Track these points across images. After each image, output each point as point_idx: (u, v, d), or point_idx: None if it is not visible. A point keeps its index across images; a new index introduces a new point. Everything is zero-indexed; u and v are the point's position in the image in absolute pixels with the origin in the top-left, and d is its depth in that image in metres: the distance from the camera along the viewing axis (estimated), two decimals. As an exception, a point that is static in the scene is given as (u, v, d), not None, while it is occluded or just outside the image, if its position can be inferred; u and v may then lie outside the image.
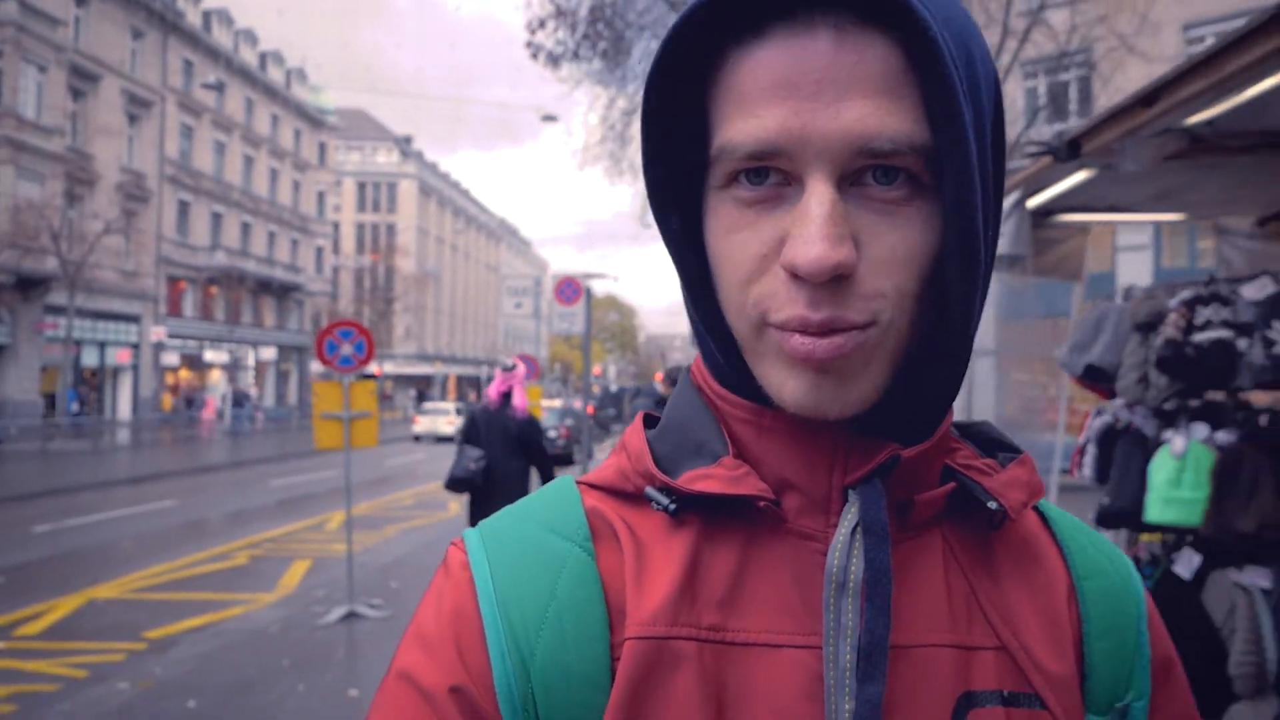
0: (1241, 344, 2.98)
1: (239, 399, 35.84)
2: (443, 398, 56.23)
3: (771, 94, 0.52)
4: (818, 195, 0.52)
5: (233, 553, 9.92)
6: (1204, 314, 3.07)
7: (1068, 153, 3.07)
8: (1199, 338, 3.04)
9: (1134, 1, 11.97)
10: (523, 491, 5.63)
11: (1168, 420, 3.30)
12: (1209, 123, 2.94)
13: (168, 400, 32.46)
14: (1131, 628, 0.68)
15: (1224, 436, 3.05)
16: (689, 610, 0.58)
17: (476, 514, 5.78)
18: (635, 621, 0.57)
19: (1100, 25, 12.03)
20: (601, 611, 0.58)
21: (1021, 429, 10.49)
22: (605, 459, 0.68)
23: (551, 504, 0.64)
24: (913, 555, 0.61)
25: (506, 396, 5.81)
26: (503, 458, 5.66)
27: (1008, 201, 3.97)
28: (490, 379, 6.78)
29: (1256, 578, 3.16)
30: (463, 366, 66.80)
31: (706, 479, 0.60)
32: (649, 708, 0.56)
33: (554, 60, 13.50)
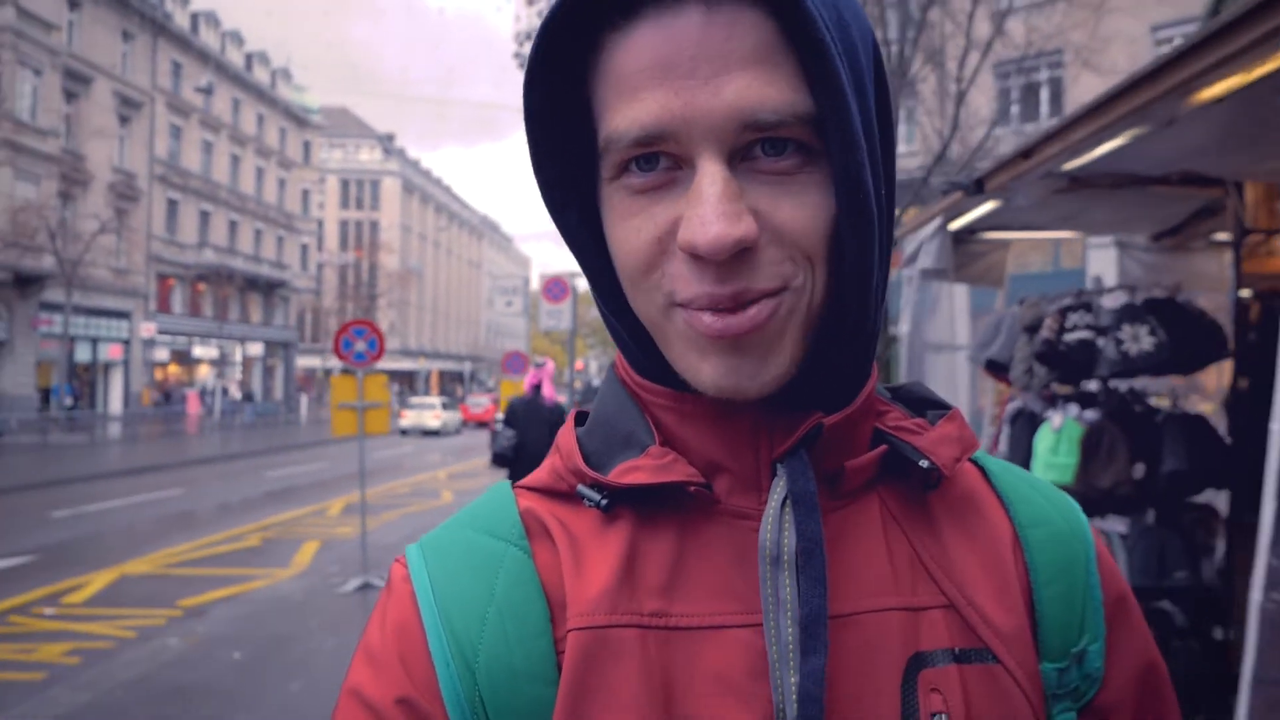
0: (1100, 343, 3.84)
1: (248, 395, 36.46)
2: (425, 393, 56.73)
3: (649, 76, 0.52)
4: (709, 174, 0.52)
5: (245, 535, 10.62)
6: (1073, 319, 3.96)
7: (975, 189, 3.90)
8: (1068, 338, 3.92)
9: (1086, 18, 12.81)
10: None
11: (1052, 403, 4.14)
12: (1081, 167, 3.76)
13: (146, 395, 32.66)
14: (1080, 571, 0.67)
15: (1090, 414, 3.89)
16: (629, 599, 0.58)
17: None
18: (576, 613, 0.57)
19: (1057, 38, 12.85)
20: (542, 607, 0.58)
21: (995, 420, 11.29)
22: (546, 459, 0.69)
23: (487, 508, 0.65)
24: (849, 522, 0.61)
25: (537, 388, 7.01)
26: (536, 438, 6.84)
27: (933, 225, 4.83)
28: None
29: (1114, 524, 4.03)
30: (445, 362, 67.24)
31: (635, 471, 0.59)
32: (597, 695, 0.55)
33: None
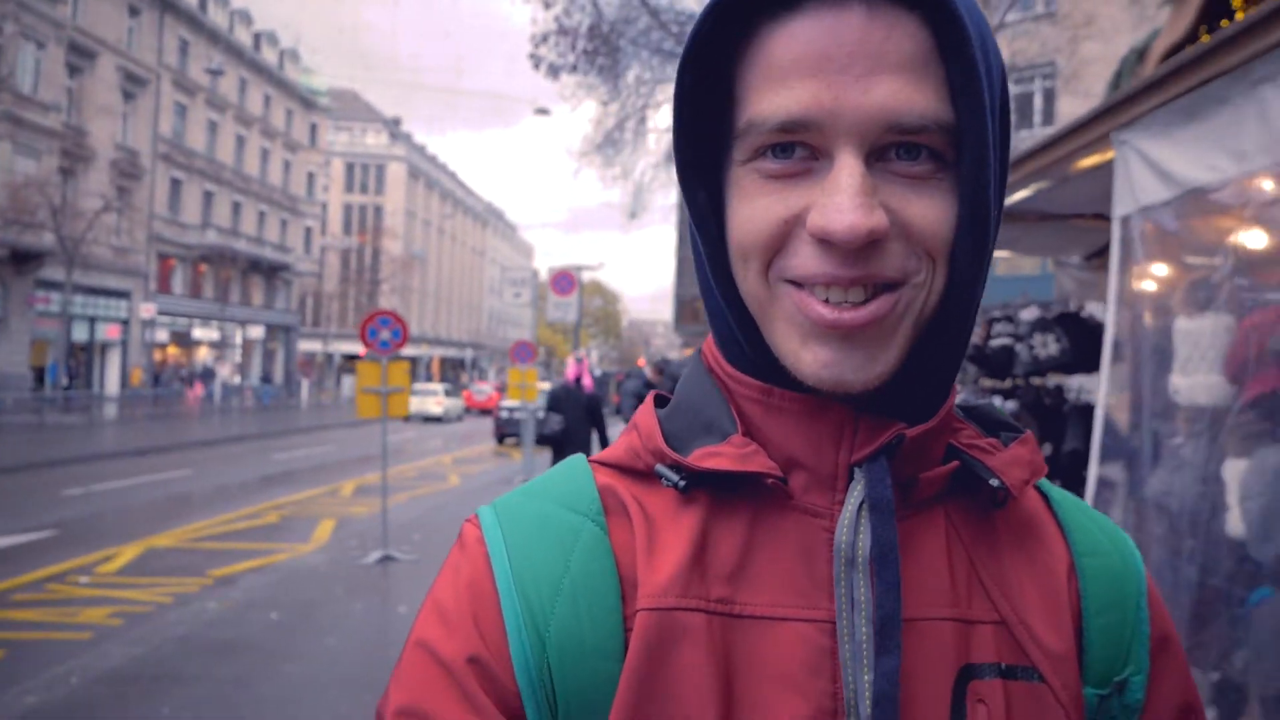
0: (1017, 348, 4.81)
1: (265, 377, 36.30)
2: (428, 379, 57.14)
3: (804, 66, 0.54)
4: (848, 167, 0.53)
5: (262, 513, 11.06)
6: (997, 328, 5.01)
7: None
8: (993, 343, 4.96)
9: (1061, 45, 13.23)
10: (587, 447, 8.16)
11: (983, 396, 4.98)
12: (1008, 206, 4.51)
13: (137, 375, 32.19)
14: (1131, 605, 0.69)
15: (1010, 405, 4.65)
16: (699, 583, 0.59)
17: (556, 461, 8.47)
18: (646, 593, 0.59)
19: (1043, 55, 13.30)
20: (614, 584, 0.60)
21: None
22: (617, 438, 0.70)
23: (564, 481, 0.66)
24: (915, 531, 0.62)
25: (578, 378, 8.47)
26: (575, 422, 8.35)
27: None
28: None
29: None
30: (447, 349, 67.62)
31: (716, 456, 0.61)
32: (661, 676, 0.57)
33: (554, 71, 14.67)
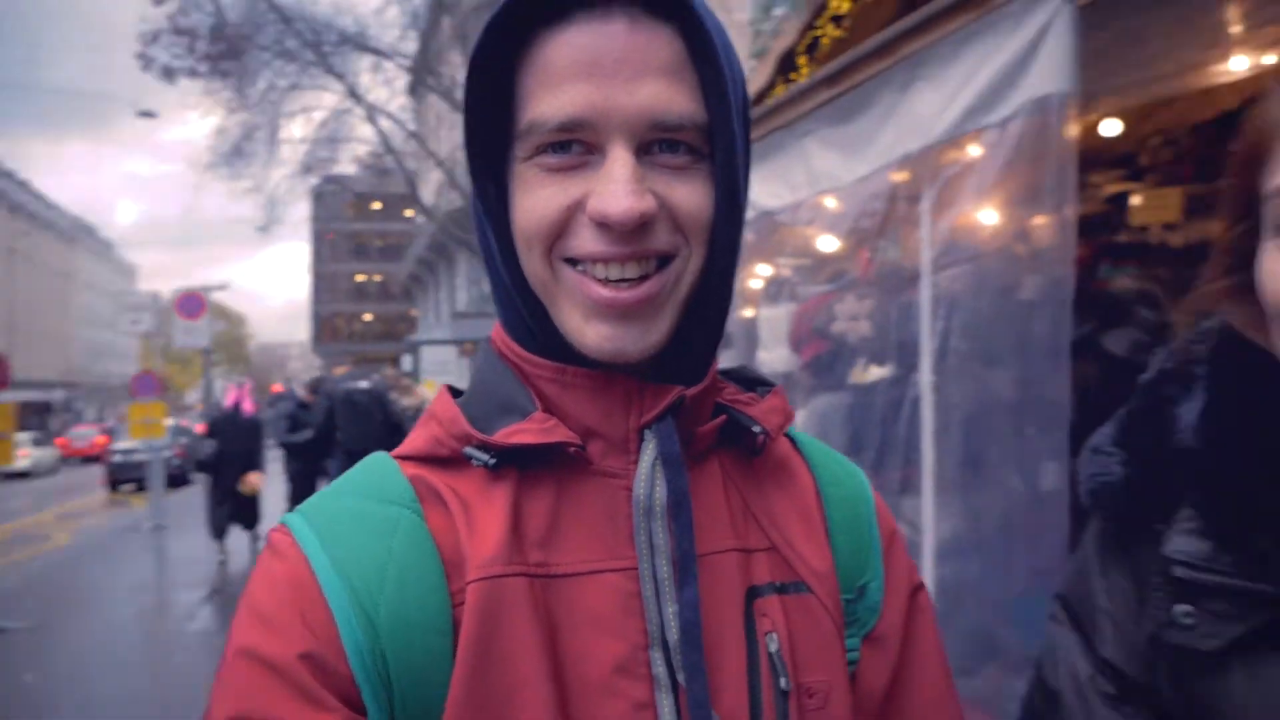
0: None
1: None
2: None
3: (576, 70, 0.61)
4: (621, 159, 0.61)
5: None
6: None
7: None
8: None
9: None
10: (246, 468, 8.51)
11: None
12: None
13: None
14: (865, 523, 0.83)
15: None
16: (518, 551, 0.65)
17: (215, 486, 8.87)
18: (475, 566, 0.64)
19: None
20: (437, 565, 0.64)
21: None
22: (412, 432, 0.74)
23: (371, 477, 0.70)
24: (697, 479, 0.72)
25: (238, 404, 9.00)
26: (236, 447, 8.76)
27: None
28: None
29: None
30: (26, 391, 57.21)
31: (521, 433, 0.67)
32: (496, 638, 0.63)
33: (170, 74, 13.42)
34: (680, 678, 0.65)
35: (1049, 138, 2.38)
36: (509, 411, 0.69)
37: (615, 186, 0.61)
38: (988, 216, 2.80)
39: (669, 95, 0.63)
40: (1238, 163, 0.83)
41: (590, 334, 0.65)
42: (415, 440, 0.73)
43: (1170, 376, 0.90)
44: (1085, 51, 2.46)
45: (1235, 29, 3.00)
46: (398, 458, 0.72)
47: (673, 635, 0.66)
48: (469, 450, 0.68)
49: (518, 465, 0.69)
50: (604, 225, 0.62)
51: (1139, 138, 4.19)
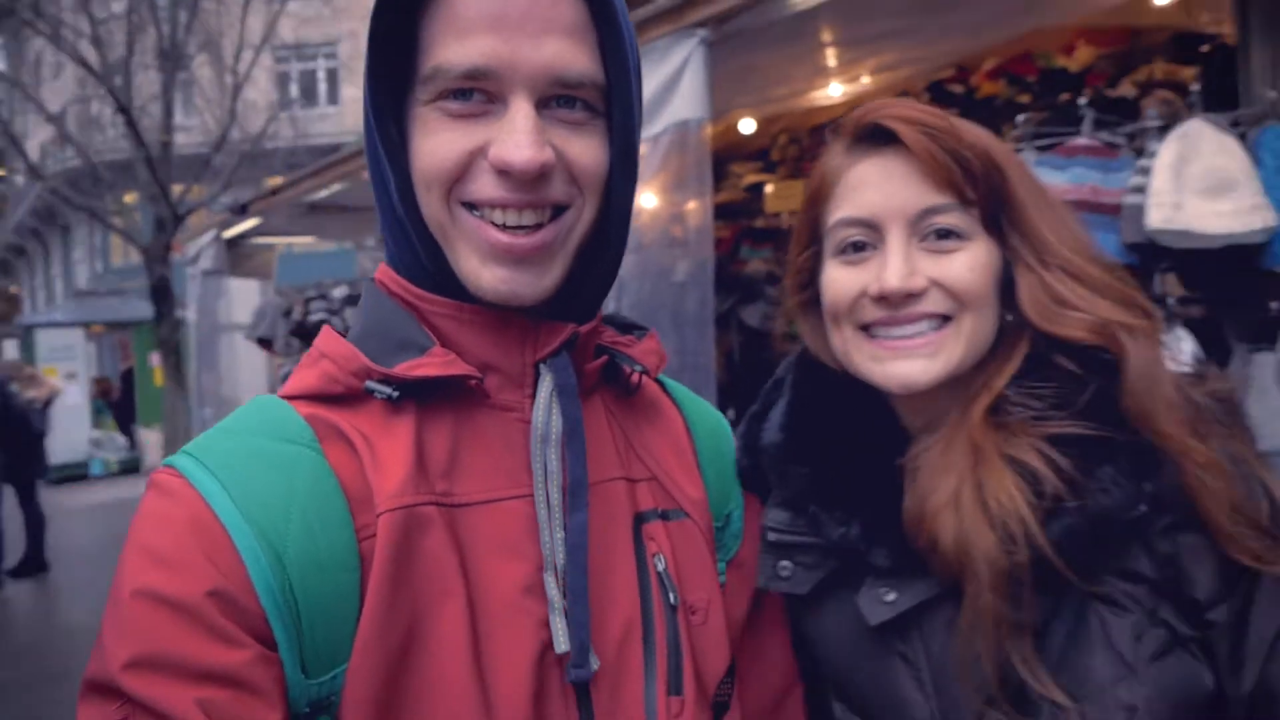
0: (333, 321, 5.68)
1: None
2: None
3: (484, 21, 0.64)
4: (524, 111, 0.65)
5: None
6: (315, 305, 5.92)
7: (240, 211, 5.18)
8: (311, 319, 5.76)
9: (355, 28, 13.85)
10: None
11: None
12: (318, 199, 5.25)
13: None
14: (728, 456, 0.92)
15: None
16: (424, 482, 0.68)
17: None
18: (385, 497, 0.65)
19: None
20: (341, 502, 0.65)
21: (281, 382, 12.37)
22: (294, 372, 0.74)
23: (265, 416, 0.70)
24: (586, 414, 0.76)
25: None
26: None
27: (209, 235, 6.05)
28: None
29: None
30: None
31: (422, 366, 0.68)
32: (409, 564, 0.64)
33: None
34: (566, 599, 0.69)
35: (690, 149, 2.91)
36: (406, 348, 0.71)
37: (518, 136, 0.64)
38: (644, 213, 3.29)
39: (572, 53, 0.66)
40: (806, 199, 0.98)
41: (486, 277, 0.68)
42: (305, 379, 0.73)
43: (776, 385, 1.04)
44: (718, 76, 3.03)
45: (831, 64, 3.80)
46: (290, 398, 0.72)
47: (560, 558, 0.70)
48: (371, 384, 0.69)
49: (417, 399, 0.71)
50: (505, 173, 0.65)
51: (771, 135, 5.00)
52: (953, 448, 0.87)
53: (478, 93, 0.66)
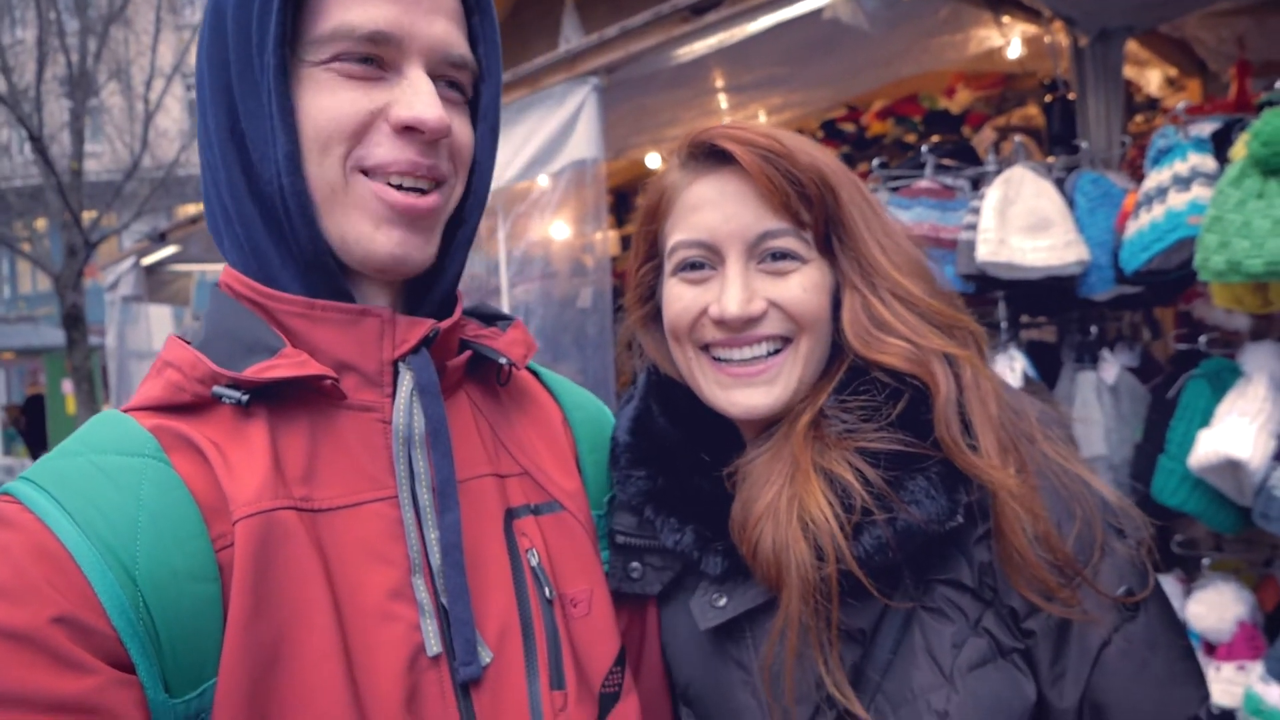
0: None
1: None
2: None
3: None
4: (423, 77, 0.68)
5: None
6: None
7: (158, 239, 5.11)
8: None
9: None
10: None
11: None
12: None
13: None
14: (610, 440, 0.93)
15: None
16: (282, 487, 0.65)
17: None
18: (241, 503, 0.63)
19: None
20: (193, 511, 0.63)
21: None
22: (141, 383, 0.71)
23: (106, 432, 0.67)
24: (450, 410, 0.75)
25: None
26: None
27: (129, 262, 5.98)
28: None
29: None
30: None
31: (274, 368, 0.66)
32: (272, 573, 0.62)
33: None
34: (444, 600, 0.69)
35: (587, 186, 3.13)
36: (255, 351, 0.69)
37: (426, 97, 0.67)
38: (550, 244, 3.50)
39: (456, 36, 0.71)
40: (644, 212, 0.97)
41: (380, 240, 0.69)
42: (150, 391, 0.71)
43: (628, 397, 1.04)
44: (613, 118, 3.25)
45: (723, 106, 4.08)
46: (133, 410, 0.70)
47: (435, 559, 0.69)
48: (219, 389, 0.67)
49: (270, 403, 0.69)
50: (410, 132, 0.68)
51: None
52: (777, 458, 0.88)
53: (373, 59, 0.68)
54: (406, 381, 0.71)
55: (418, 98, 0.67)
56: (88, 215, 11.53)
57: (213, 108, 0.70)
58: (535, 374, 0.94)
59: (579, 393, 0.96)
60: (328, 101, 0.67)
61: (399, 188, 0.70)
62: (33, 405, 12.39)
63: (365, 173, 0.70)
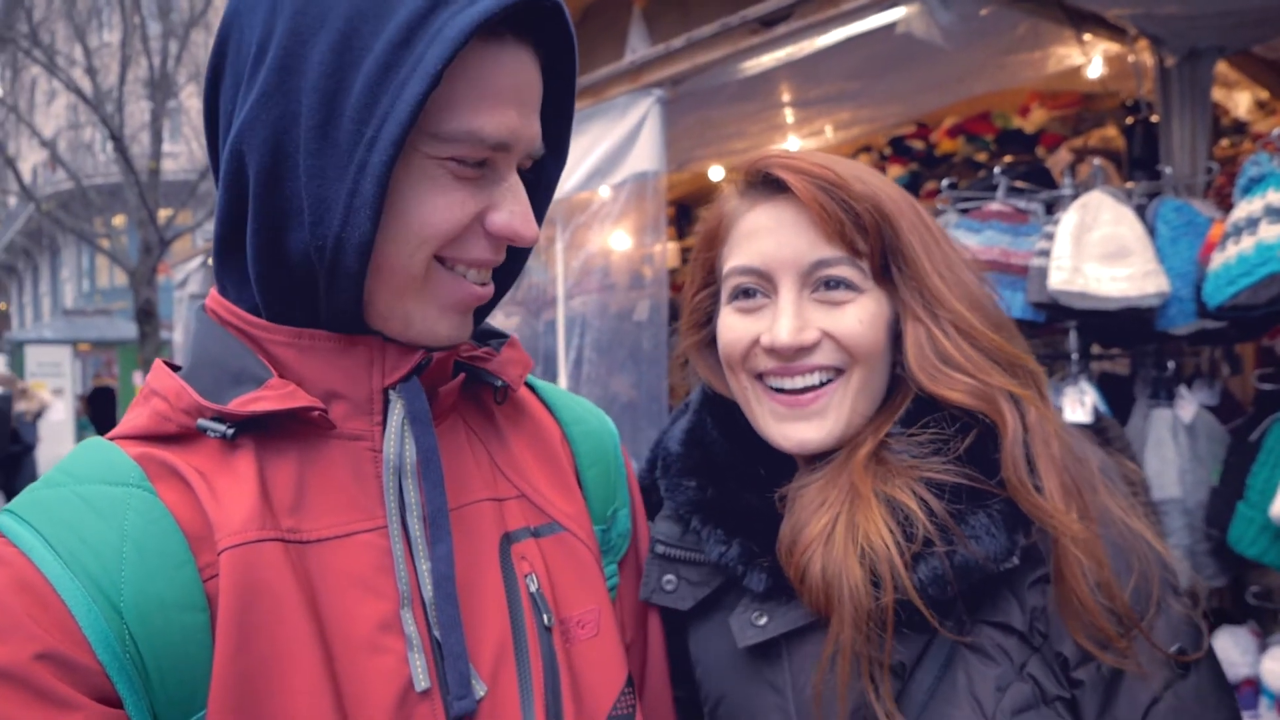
0: None
1: None
2: None
3: (510, 96, 0.67)
4: (519, 183, 0.71)
5: None
6: None
7: None
8: None
9: None
10: None
11: None
12: None
13: None
14: (612, 454, 0.90)
15: None
16: (270, 518, 0.64)
17: None
18: (226, 534, 0.62)
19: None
20: (180, 540, 0.61)
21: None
22: (128, 410, 0.70)
23: (91, 461, 0.65)
24: (444, 436, 0.74)
25: None
26: None
27: (198, 260, 6.12)
28: None
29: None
30: None
31: (259, 400, 0.65)
32: (259, 605, 0.61)
33: None
34: (437, 633, 0.68)
35: (648, 199, 3.11)
36: (241, 381, 0.68)
37: (523, 210, 0.71)
38: (609, 255, 3.49)
39: (539, 129, 0.73)
40: (702, 238, 0.98)
41: (444, 325, 0.72)
42: (136, 419, 0.70)
43: (685, 406, 1.06)
44: (677, 131, 3.23)
45: (789, 121, 4.03)
46: (118, 439, 0.69)
47: (428, 591, 0.68)
48: (203, 422, 0.66)
49: (256, 433, 0.67)
50: (498, 239, 0.71)
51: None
52: (832, 485, 0.88)
53: (486, 163, 0.69)
54: (397, 410, 0.70)
55: (518, 208, 0.70)
56: (163, 213, 11.95)
57: (259, 152, 0.66)
58: (533, 389, 0.93)
59: (578, 406, 0.95)
60: (441, 201, 0.67)
61: (475, 281, 0.72)
62: (98, 397, 12.83)
63: (440, 260, 0.71)
